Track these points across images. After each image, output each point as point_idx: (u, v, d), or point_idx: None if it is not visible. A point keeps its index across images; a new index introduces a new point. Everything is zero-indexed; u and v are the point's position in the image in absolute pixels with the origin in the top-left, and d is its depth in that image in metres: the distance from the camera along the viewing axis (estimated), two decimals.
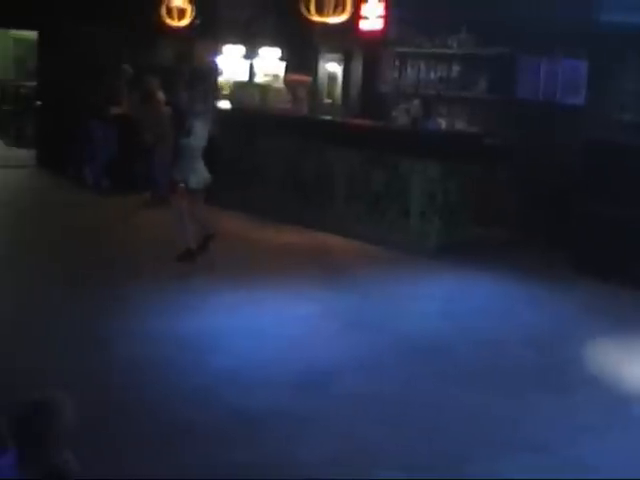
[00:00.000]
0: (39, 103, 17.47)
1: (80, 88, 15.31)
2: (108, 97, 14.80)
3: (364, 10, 14.09)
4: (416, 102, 13.50)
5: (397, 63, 14.53)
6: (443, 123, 13.15)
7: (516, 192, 12.19)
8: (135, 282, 9.17)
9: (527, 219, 11.95)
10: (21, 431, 3.47)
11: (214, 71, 16.57)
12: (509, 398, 6.63)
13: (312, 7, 12.69)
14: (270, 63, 16.76)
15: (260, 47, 16.60)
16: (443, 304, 9.09)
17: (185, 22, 15.81)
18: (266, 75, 16.76)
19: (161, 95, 14.05)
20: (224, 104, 14.94)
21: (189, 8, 15.71)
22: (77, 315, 8.02)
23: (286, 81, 15.92)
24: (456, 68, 13.71)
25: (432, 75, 14.06)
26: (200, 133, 10.11)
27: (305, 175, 12.77)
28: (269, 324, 8.09)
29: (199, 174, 10.11)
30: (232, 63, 16.85)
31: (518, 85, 12.65)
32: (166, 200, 13.20)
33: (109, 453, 5.16)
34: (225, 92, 16.07)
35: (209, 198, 10.44)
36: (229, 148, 13.41)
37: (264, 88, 15.79)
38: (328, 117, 14.05)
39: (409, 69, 14.38)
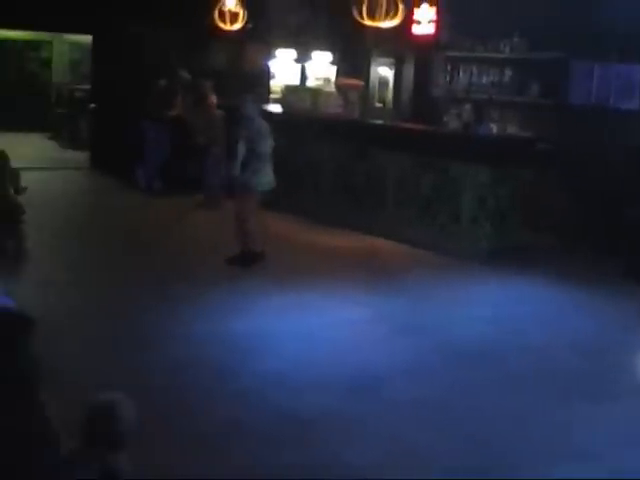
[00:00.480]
0: (93, 106, 17.69)
1: (133, 91, 15.45)
2: (161, 100, 14.94)
3: (416, 14, 14.08)
4: (468, 106, 13.48)
5: (449, 67, 14.48)
6: (495, 128, 13.07)
7: (567, 197, 12.07)
8: (184, 283, 9.25)
9: (577, 224, 11.83)
10: (83, 430, 3.52)
11: (266, 74, 16.68)
12: (556, 405, 6.59)
13: (364, 11, 12.69)
14: (322, 67, 16.81)
15: (312, 51, 16.65)
16: (493, 309, 9.05)
17: (237, 26, 15.90)
18: (317, 79, 16.82)
19: (214, 98, 14.16)
20: (275, 107, 15.02)
21: (241, 12, 15.79)
22: (125, 315, 8.13)
23: (338, 85, 15.94)
24: (508, 72, 13.62)
25: (484, 79, 13.98)
26: (262, 136, 10.16)
27: (356, 178, 12.78)
28: (318, 327, 8.12)
29: (264, 177, 10.18)
30: (284, 67, 16.92)
31: (571, 90, 12.53)
32: (218, 201, 13.36)
33: (156, 454, 5.22)
34: (276, 95, 16.16)
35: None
36: (280, 151, 13.46)
37: (315, 92, 15.82)
38: (379, 121, 14.04)
39: (461, 73, 14.32)
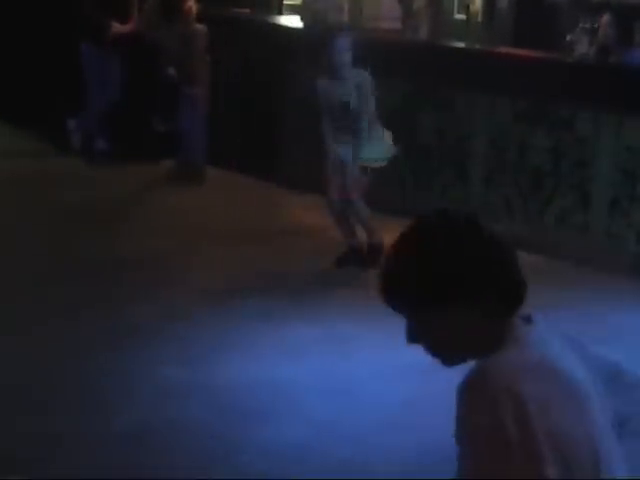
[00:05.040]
0: None
1: None
2: (107, 8, 14.84)
3: None
4: (606, 18, 13.49)
5: None
6: None
7: None
8: (147, 309, 9.56)
9: None
10: None
11: None
12: None
13: None
14: None
15: None
16: None
17: None
18: None
19: (193, 5, 14.26)
20: (292, 20, 15.12)
21: None
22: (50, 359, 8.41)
23: None
24: None
25: None
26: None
27: (422, 138, 12.91)
28: (365, 379, 8.31)
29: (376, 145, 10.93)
30: None
31: None
32: (201, 171, 13.52)
33: None
34: (295, 1, 16.28)
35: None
36: (301, 95, 13.59)
37: None
38: (460, 44, 14.12)
39: None
